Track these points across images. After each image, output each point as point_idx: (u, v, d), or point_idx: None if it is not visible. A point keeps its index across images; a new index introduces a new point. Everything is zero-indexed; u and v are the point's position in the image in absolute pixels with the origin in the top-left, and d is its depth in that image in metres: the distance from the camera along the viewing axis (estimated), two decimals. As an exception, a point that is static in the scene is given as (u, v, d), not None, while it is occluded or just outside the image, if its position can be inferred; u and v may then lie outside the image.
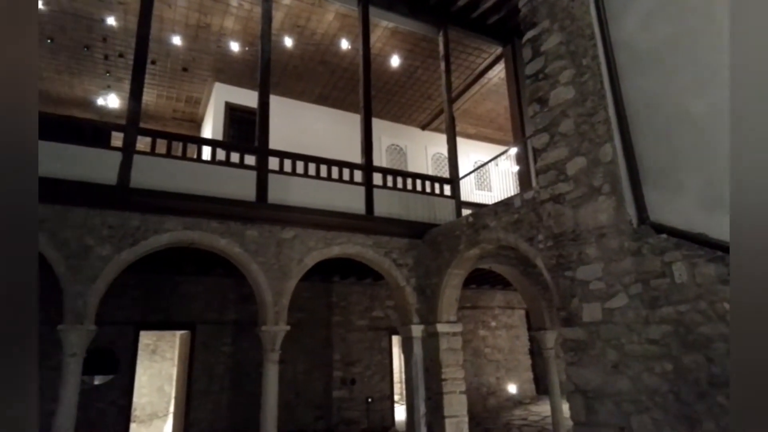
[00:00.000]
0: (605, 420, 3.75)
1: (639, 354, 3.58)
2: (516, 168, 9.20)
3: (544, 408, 11.58)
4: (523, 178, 8.44)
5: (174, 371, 12.02)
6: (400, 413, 11.08)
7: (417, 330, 7.37)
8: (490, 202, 7.66)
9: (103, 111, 10.33)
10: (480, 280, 10.97)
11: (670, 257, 3.48)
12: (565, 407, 7.30)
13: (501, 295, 13.19)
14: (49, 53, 8.71)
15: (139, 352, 9.22)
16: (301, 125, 10.16)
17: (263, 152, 6.85)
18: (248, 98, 9.29)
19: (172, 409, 11.18)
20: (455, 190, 8.38)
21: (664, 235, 3.55)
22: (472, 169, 10.85)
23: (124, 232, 5.85)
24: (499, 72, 10.01)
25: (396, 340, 11.93)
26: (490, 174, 11.72)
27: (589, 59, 4.25)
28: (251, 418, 8.56)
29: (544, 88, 4.67)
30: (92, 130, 6.10)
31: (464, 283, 7.48)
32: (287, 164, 7.12)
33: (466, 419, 6.96)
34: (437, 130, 11.77)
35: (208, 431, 8.86)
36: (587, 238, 4.10)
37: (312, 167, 7.28)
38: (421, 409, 7.03)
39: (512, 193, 7.31)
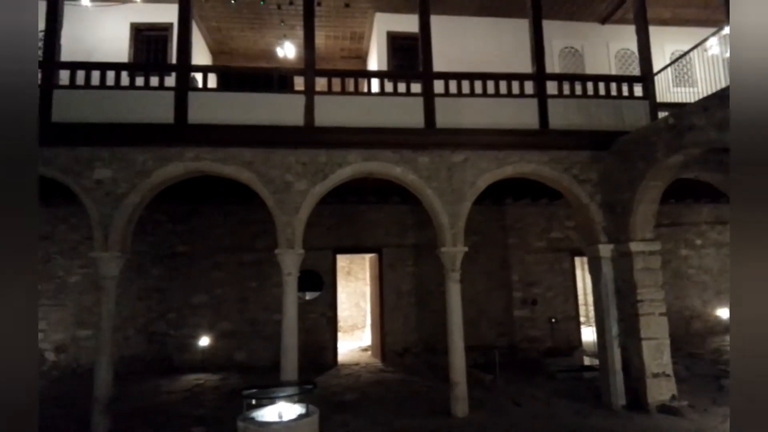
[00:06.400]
0: None
1: None
2: (729, 53, 7.43)
3: None
4: (743, 62, 6.77)
5: (366, 290, 13.50)
6: (586, 334, 10.74)
7: (605, 249, 6.83)
8: (692, 100, 6.40)
9: (284, 61, 11.33)
10: (681, 193, 9.52)
11: None
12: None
13: (708, 209, 11.36)
14: (236, 12, 9.75)
15: (337, 273, 10.56)
16: (463, 42, 9.70)
17: (428, 76, 6.78)
18: (408, 23, 9.14)
19: (368, 321, 12.70)
20: (648, 88, 7.19)
21: None
22: (669, 61, 9.13)
23: (315, 168, 6.54)
24: (706, -69, 7.95)
25: (579, 262, 11.33)
26: (693, 65, 9.72)
27: None
28: (438, 332, 9.26)
29: (783, -67, 3.54)
30: (278, 78, 6.76)
31: (661, 197, 6.57)
32: (452, 86, 6.94)
33: (668, 342, 6.37)
34: (622, 21, 10.05)
35: (401, 342, 9.89)
36: None
37: (478, 85, 6.97)
38: (614, 330, 6.65)
39: (725, 84, 5.97)
